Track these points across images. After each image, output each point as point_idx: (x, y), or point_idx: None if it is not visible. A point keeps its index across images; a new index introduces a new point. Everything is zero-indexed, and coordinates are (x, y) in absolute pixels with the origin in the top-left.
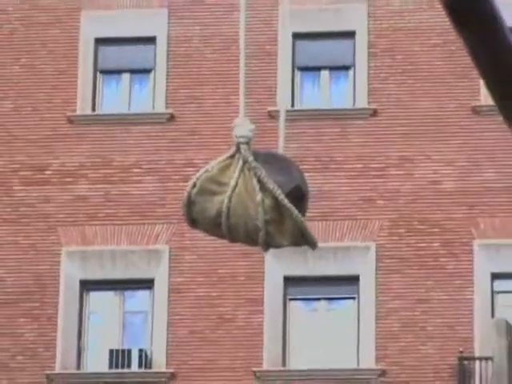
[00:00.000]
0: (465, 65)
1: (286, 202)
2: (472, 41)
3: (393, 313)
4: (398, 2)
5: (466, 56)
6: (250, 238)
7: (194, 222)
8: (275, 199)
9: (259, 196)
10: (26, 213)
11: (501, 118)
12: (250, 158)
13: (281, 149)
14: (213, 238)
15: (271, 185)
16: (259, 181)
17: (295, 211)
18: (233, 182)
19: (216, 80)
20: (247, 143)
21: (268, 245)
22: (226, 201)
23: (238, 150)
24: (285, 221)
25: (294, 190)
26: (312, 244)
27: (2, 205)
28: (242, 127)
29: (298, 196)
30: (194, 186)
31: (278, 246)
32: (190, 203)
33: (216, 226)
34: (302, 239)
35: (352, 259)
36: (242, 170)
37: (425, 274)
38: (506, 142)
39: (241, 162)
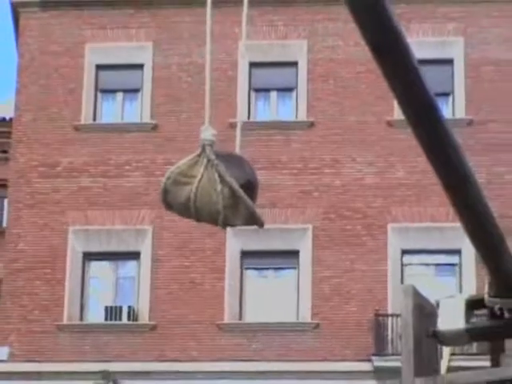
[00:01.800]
0: (382, 88)
1: (240, 191)
2: (388, 70)
3: (325, 280)
4: (330, 39)
5: (383, 81)
6: (212, 219)
7: (169, 206)
8: (232, 189)
9: (219, 186)
10: (41, 199)
11: (409, 129)
12: (213, 157)
13: (237, 150)
14: (185, 219)
15: (229, 178)
16: (219, 175)
17: (247, 199)
18: (199, 176)
19: (190, 98)
20: (210, 145)
21: (226, 224)
22: (193, 190)
23: (204, 150)
24: (239, 206)
25: (246, 182)
26: (260, 224)
27: (23, 193)
28: (207, 132)
29: (250, 187)
30: (169, 178)
31: (233, 225)
32: (165, 191)
33: (186, 209)
34: (252, 220)
35: (293, 238)
36: (206, 166)
37: (350, 250)
38: (413, 149)
39: (205, 160)
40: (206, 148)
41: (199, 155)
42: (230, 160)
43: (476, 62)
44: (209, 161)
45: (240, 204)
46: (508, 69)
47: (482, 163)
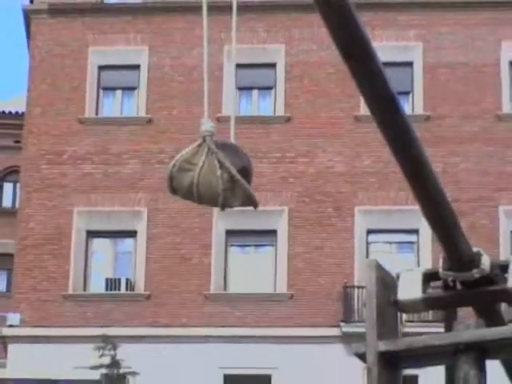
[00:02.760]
0: (351, 87)
1: (237, 176)
2: (356, 71)
3: (299, 255)
4: (305, 44)
5: (351, 81)
6: (213, 201)
7: (174, 191)
8: (230, 174)
9: (219, 172)
10: (49, 184)
11: (374, 124)
12: (213, 146)
13: (232, 140)
14: (178, 202)
15: (227, 164)
16: (219, 161)
17: (244, 182)
18: (201, 163)
19: (181, 95)
20: (210, 136)
21: (224, 206)
22: (196, 176)
23: (204, 140)
24: (236, 189)
25: (242, 168)
26: (255, 205)
27: (33, 178)
28: (207, 125)
29: (245, 172)
30: (174, 165)
31: (232, 207)
32: (171, 178)
33: (189, 193)
34: (249, 202)
35: (272, 219)
36: (207, 154)
37: (321, 230)
38: (377, 141)
39: (206, 149)
40: (207, 138)
41: (200, 145)
42: (228, 149)
43: (433, 65)
44: (209, 149)
45: (237, 187)
46: (461, 71)
47: (438, 154)
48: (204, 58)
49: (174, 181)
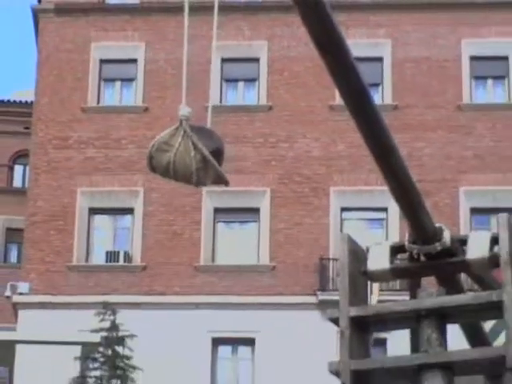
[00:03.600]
0: (326, 79)
1: (209, 156)
2: (331, 65)
3: (280, 231)
4: (286, 41)
5: (327, 74)
6: (187, 179)
7: (153, 169)
8: (203, 155)
9: (193, 153)
10: (55, 166)
11: (348, 112)
12: (188, 129)
13: (209, 125)
14: (170, 183)
15: (200, 146)
16: (193, 143)
17: (215, 163)
18: (177, 144)
19: (174, 86)
20: (186, 120)
21: (198, 183)
22: (172, 156)
23: (181, 124)
24: (208, 169)
25: (215, 149)
26: (225, 183)
27: (41, 161)
28: (184, 110)
29: (217, 153)
30: (153, 146)
31: (205, 185)
32: (151, 157)
33: (166, 172)
34: (219, 180)
35: (255, 198)
36: (182, 137)
37: (300, 208)
38: (350, 128)
39: (182, 132)
40: (183, 122)
41: (177, 128)
42: (202, 132)
43: (400, 60)
44: (185, 132)
45: (209, 167)
46: (425, 65)
47: (405, 139)
48: (183, 57)
49: (153, 160)
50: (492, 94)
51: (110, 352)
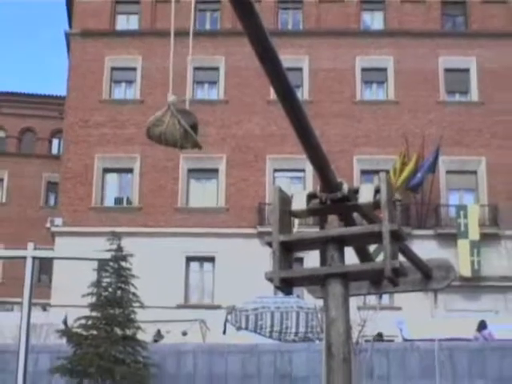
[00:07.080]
0: (265, 81)
1: (189, 129)
2: (268, 71)
3: (232, 185)
4: (238, 56)
5: (266, 77)
6: (174, 145)
7: (150, 137)
8: (184, 128)
9: (178, 126)
10: (81, 140)
11: (280, 105)
12: (174, 111)
13: (187, 107)
14: (159, 152)
15: (183, 122)
16: (178, 120)
17: (193, 134)
18: (166, 121)
19: (161, 86)
20: (173, 104)
21: (182, 147)
22: (163, 129)
23: (169, 107)
24: (188, 138)
25: (193, 124)
26: (200, 147)
27: (70, 136)
28: (171, 98)
29: (194, 127)
30: (150, 121)
31: (186, 148)
32: (148, 129)
33: (159, 139)
34: (196, 145)
35: (216, 161)
36: (171, 116)
37: (246, 169)
38: (281, 115)
39: (170, 113)
40: (171, 106)
41: (167, 110)
42: (184, 112)
43: (316, 70)
44: (172, 113)
45: (189, 137)
46: (332, 73)
47: (317, 124)
48: (169, 66)
49: (149, 131)
50: (375, 93)
51: (116, 265)
